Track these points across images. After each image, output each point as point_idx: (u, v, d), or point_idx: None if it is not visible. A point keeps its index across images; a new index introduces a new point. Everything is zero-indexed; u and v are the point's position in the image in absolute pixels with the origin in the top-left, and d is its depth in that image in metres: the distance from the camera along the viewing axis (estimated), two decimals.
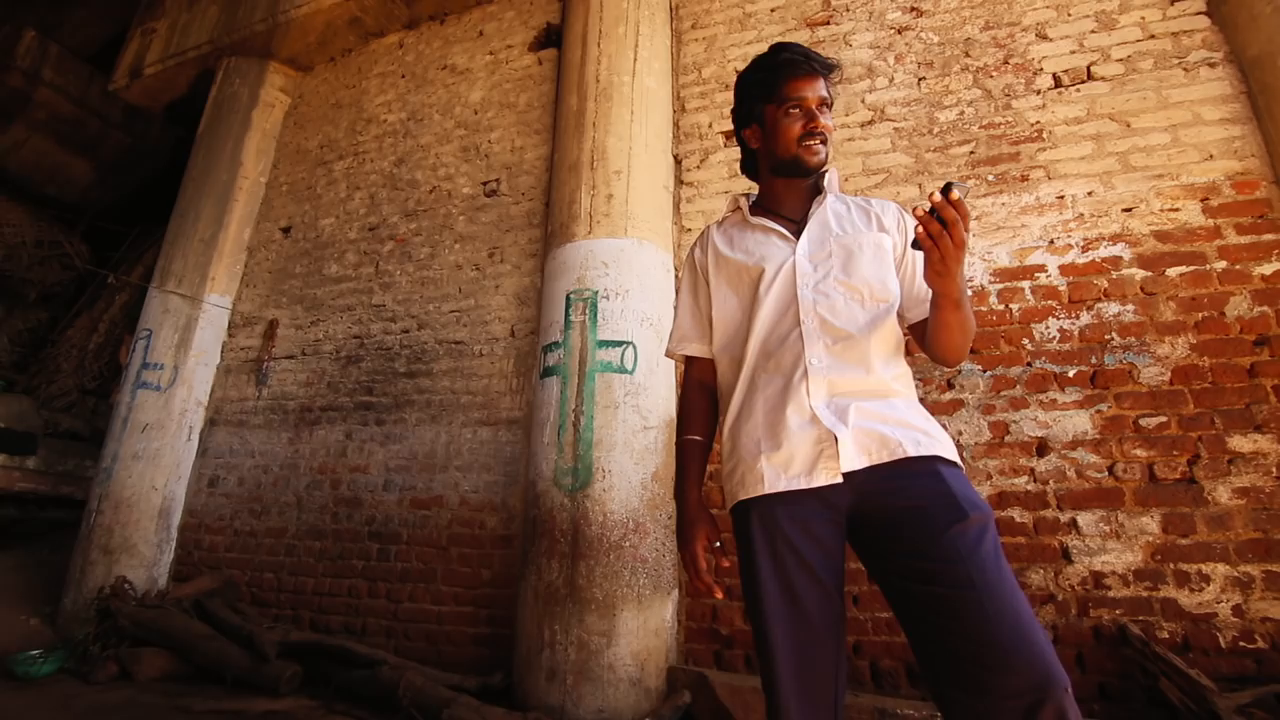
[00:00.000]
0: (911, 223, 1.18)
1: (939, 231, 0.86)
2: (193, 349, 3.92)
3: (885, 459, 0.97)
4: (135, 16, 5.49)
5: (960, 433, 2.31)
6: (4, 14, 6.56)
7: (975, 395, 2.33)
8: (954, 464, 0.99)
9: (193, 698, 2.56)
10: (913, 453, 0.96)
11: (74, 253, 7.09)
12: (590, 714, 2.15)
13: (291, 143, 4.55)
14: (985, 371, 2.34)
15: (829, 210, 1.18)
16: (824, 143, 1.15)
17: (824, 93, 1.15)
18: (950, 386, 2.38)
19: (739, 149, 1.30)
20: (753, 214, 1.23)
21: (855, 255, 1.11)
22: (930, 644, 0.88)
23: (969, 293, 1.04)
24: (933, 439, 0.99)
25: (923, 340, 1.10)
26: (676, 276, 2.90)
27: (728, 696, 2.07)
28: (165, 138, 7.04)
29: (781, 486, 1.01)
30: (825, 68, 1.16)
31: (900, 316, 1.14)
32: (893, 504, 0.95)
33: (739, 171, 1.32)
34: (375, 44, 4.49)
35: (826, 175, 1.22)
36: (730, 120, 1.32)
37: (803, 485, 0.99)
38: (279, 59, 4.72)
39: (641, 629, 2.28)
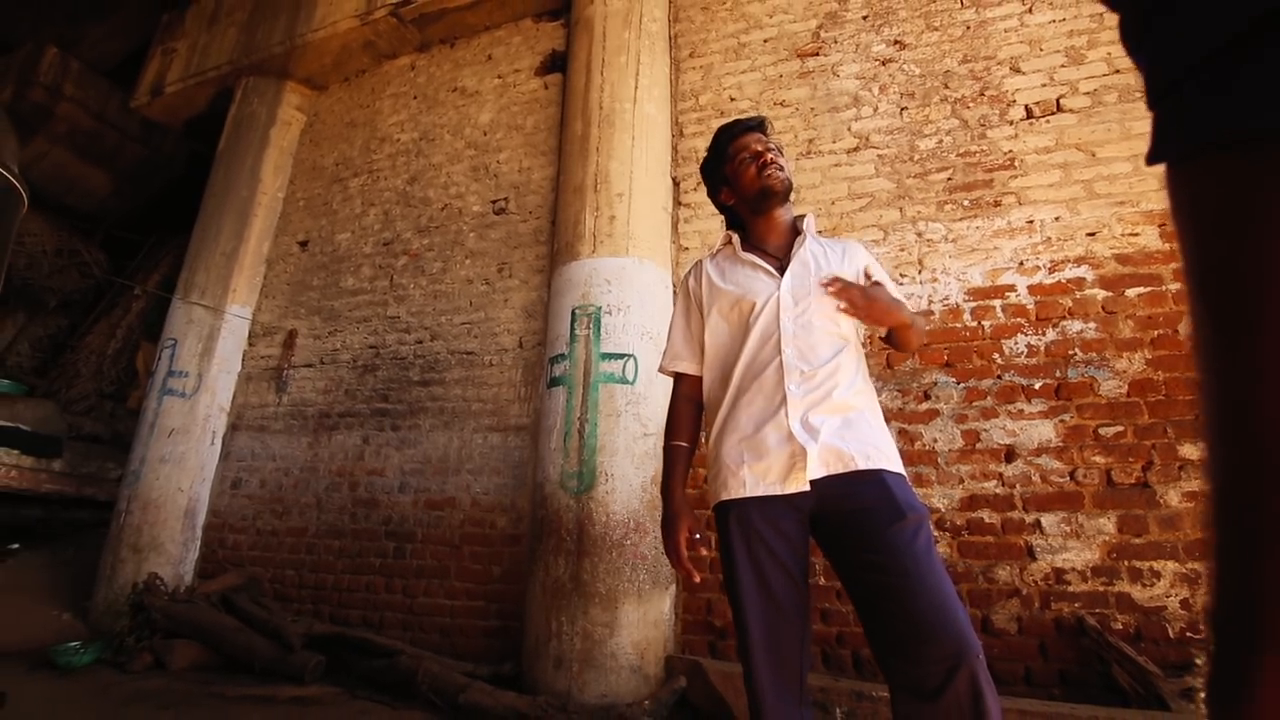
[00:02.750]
0: (876, 262, 1.40)
1: (851, 301, 1.22)
2: (215, 357, 4.12)
3: (840, 470, 1.16)
4: (155, 36, 5.71)
5: (935, 440, 2.50)
6: (27, 30, 6.80)
7: (949, 405, 2.52)
8: (898, 474, 1.18)
9: (224, 685, 2.76)
10: (863, 466, 1.16)
11: (92, 261, 7.31)
12: (594, 698, 2.34)
13: (308, 159, 4.76)
14: (959, 384, 2.53)
15: (808, 251, 1.37)
16: (781, 169, 1.38)
17: (765, 139, 1.40)
18: (927, 397, 2.57)
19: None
20: (743, 250, 1.42)
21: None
22: (874, 620, 1.08)
23: (909, 310, 1.32)
24: (881, 453, 1.18)
25: (893, 343, 1.39)
26: (675, 293, 3.09)
27: (720, 682, 2.27)
28: (181, 150, 7.26)
29: (760, 492, 1.20)
30: (756, 123, 1.42)
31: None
32: (847, 506, 1.15)
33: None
34: (388, 65, 4.70)
35: (805, 219, 1.42)
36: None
37: (776, 491, 1.19)
38: (295, 78, 4.93)
39: (641, 621, 2.47)
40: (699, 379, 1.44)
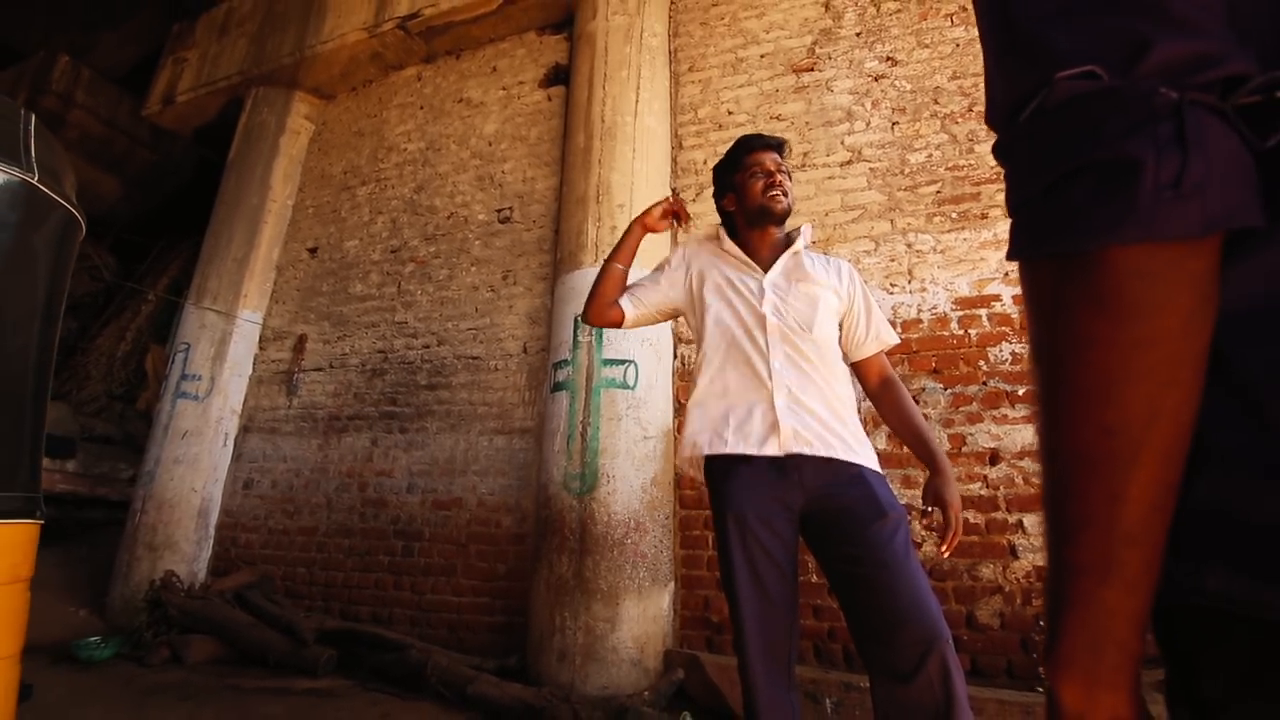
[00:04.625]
0: (863, 287, 1.49)
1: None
2: (227, 361, 4.24)
3: (820, 453, 1.26)
4: (167, 45, 5.83)
5: None
6: (39, 38, 6.93)
7: (937, 410, 2.63)
8: (879, 474, 1.29)
9: (240, 678, 2.87)
10: (842, 457, 1.26)
11: (102, 264, 7.44)
12: (595, 690, 2.45)
13: (316, 168, 4.88)
14: (946, 389, 2.64)
15: (792, 255, 1.47)
16: (785, 194, 1.45)
17: (779, 161, 1.47)
18: (915, 403, 2.67)
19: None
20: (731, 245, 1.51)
21: (809, 296, 1.40)
22: (855, 611, 1.19)
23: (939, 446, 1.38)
24: (864, 449, 1.30)
25: (860, 379, 1.46)
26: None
27: (717, 674, 2.37)
28: (190, 156, 7.39)
29: (740, 450, 1.30)
30: (776, 143, 1.49)
31: (844, 354, 1.45)
32: (831, 505, 1.26)
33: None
34: (395, 76, 4.82)
35: (802, 230, 1.52)
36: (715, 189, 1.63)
37: (754, 452, 1.29)
38: (304, 88, 5.04)
39: (641, 616, 2.58)
40: (621, 313, 1.51)
